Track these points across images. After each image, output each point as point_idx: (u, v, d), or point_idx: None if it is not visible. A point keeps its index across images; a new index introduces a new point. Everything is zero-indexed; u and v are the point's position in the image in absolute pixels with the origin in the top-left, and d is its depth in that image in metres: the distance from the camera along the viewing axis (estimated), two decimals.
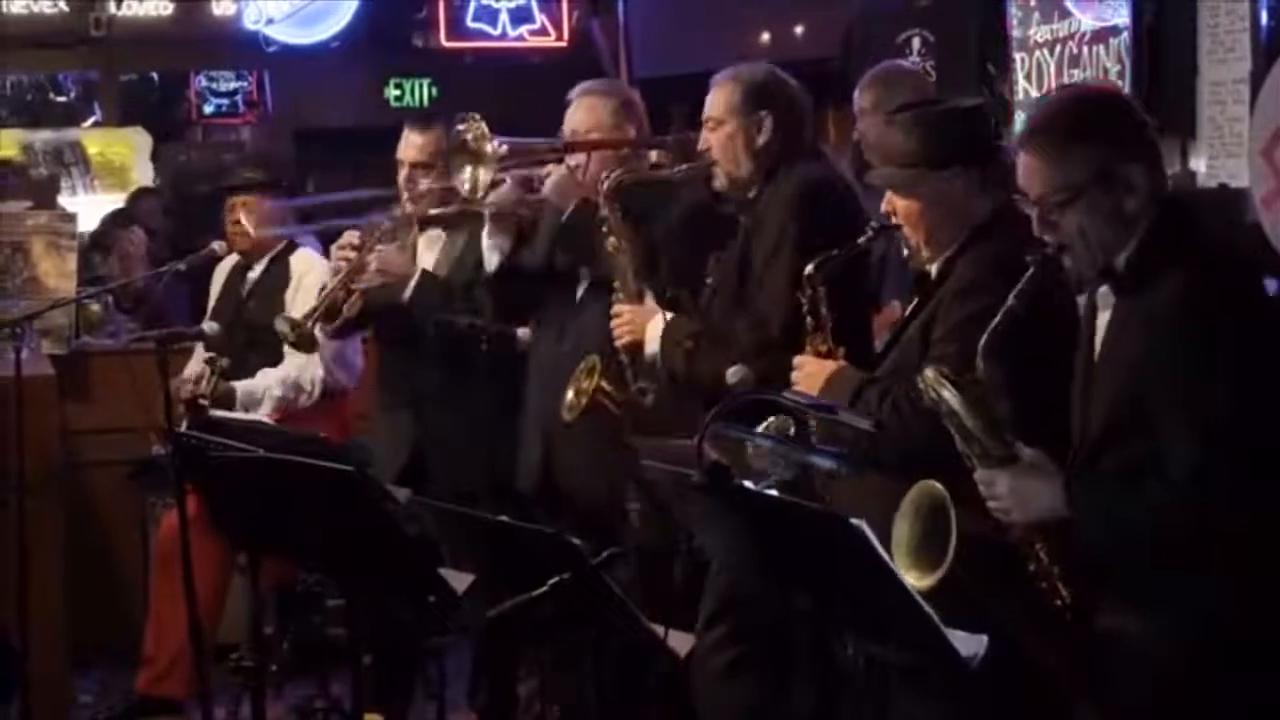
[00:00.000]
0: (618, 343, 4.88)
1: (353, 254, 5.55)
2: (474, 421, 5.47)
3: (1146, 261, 3.16)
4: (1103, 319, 3.27)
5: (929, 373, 3.26)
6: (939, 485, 3.24)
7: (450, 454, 5.51)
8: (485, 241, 5.28)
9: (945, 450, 3.31)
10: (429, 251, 5.70)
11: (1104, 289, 3.26)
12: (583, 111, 5.24)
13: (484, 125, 5.00)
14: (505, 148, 4.98)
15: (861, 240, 4.13)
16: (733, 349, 4.51)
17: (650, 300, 4.89)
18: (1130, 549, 3.11)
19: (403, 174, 5.70)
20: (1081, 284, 3.32)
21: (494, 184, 5.06)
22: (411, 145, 5.71)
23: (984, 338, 3.23)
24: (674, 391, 4.84)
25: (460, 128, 5.03)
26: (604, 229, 4.93)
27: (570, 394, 4.91)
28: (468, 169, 5.02)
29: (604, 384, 4.84)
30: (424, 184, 5.65)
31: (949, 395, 3.22)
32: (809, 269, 4.12)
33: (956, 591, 3.31)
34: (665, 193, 5.10)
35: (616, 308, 4.90)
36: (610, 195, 4.91)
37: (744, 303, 4.63)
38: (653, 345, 4.78)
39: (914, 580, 3.22)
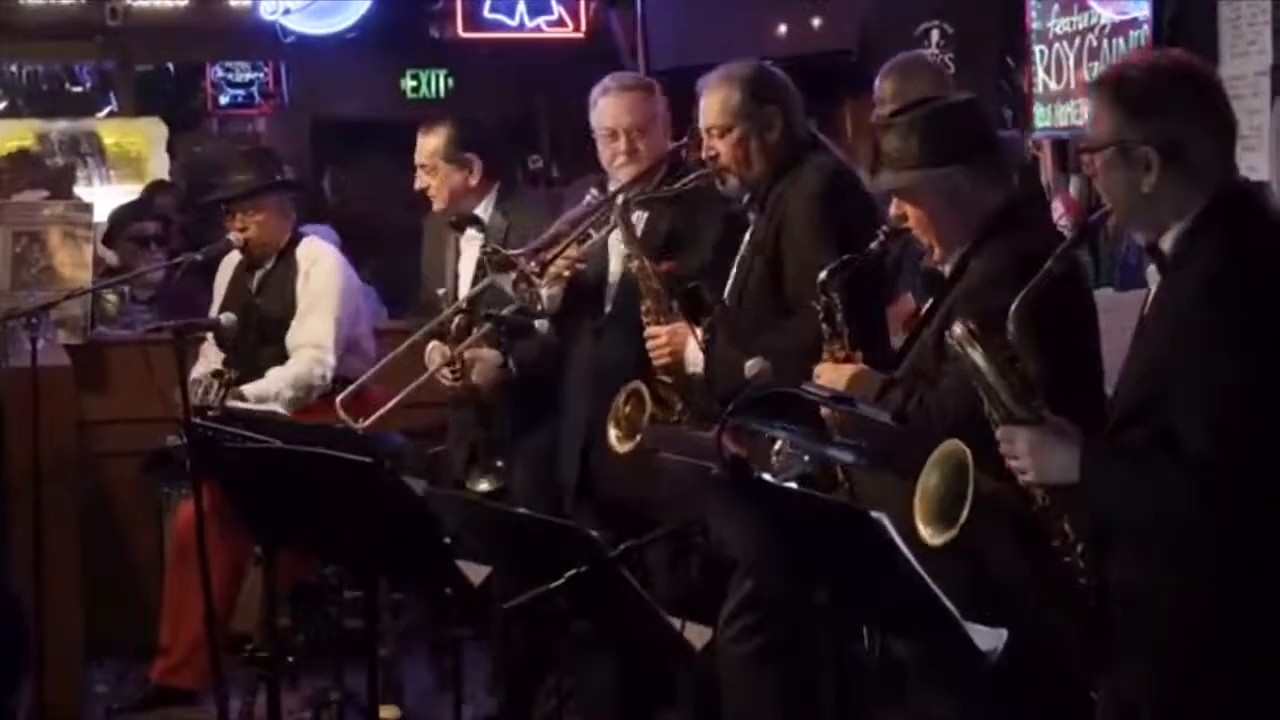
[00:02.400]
0: (656, 363, 4.85)
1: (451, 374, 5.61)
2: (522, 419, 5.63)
3: (1192, 244, 3.13)
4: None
5: (958, 329, 3.24)
6: (962, 446, 3.23)
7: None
8: (543, 291, 5.26)
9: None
10: (470, 248, 5.78)
11: (1152, 269, 3.23)
12: (628, 105, 5.25)
13: (496, 249, 5.19)
14: (533, 263, 5.04)
15: (874, 245, 4.10)
16: (790, 350, 4.43)
17: (680, 317, 4.86)
18: (1133, 520, 3.11)
19: (417, 174, 5.90)
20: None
21: (557, 278, 5.17)
22: (418, 149, 5.89)
23: (1018, 297, 3.20)
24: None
25: (488, 259, 5.20)
26: (629, 251, 4.92)
27: (613, 429, 4.85)
28: (524, 288, 5.09)
29: (656, 412, 4.80)
30: (430, 182, 5.83)
31: (975, 354, 3.21)
32: (822, 276, 4.09)
33: (983, 569, 3.32)
34: (689, 216, 5.12)
35: (651, 329, 4.87)
36: (623, 216, 4.90)
37: (775, 303, 4.60)
38: (694, 366, 4.75)
39: (927, 536, 3.22)
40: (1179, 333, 3.05)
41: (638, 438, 4.79)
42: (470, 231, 5.78)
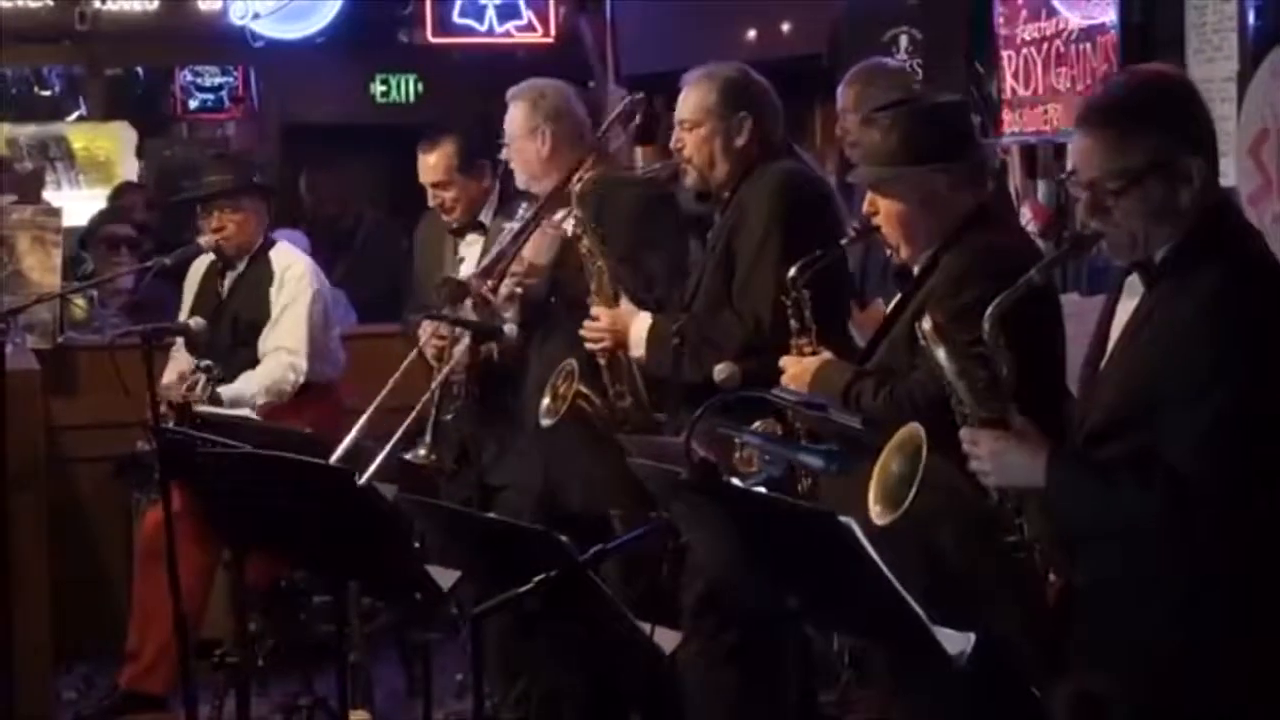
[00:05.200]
0: (594, 348, 4.87)
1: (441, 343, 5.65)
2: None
3: (1185, 259, 3.12)
4: (1124, 308, 3.24)
5: (926, 322, 3.26)
6: (920, 429, 3.25)
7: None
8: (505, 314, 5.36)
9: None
10: (471, 250, 5.84)
11: (1132, 278, 3.23)
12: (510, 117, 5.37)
13: (448, 278, 5.28)
14: (489, 283, 5.11)
15: (844, 242, 4.14)
16: (724, 348, 4.51)
17: (626, 303, 4.88)
18: (1096, 532, 3.13)
19: (430, 195, 5.92)
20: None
21: (509, 297, 5.24)
22: (425, 168, 5.92)
23: (998, 299, 3.20)
24: (657, 393, 4.85)
25: (440, 291, 5.25)
26: (578, 233, 4.94)
27: (547, 399, 4.92)
28: (483, 309, 5.21)
29: (582, 388, 4.85)
30: (448, 196, 5.86)
31: (939, 350, 3.23)
32: (792, 272, 4.13)
33: (948, 571, 3.33)
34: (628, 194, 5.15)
35: (594, 310, 4.89)
36: (581, 199, 4.92)
37: (728, 301, 4.63)
38: (638, 350, 4.78)
39: (875, 515, 3.28)
40: (1176, 347, 3.04)
41: (560, 409, 4.85)
42: (470, 236, 5.88)
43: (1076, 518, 3.15)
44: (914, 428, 3.31)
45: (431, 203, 5.95)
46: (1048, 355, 3.76)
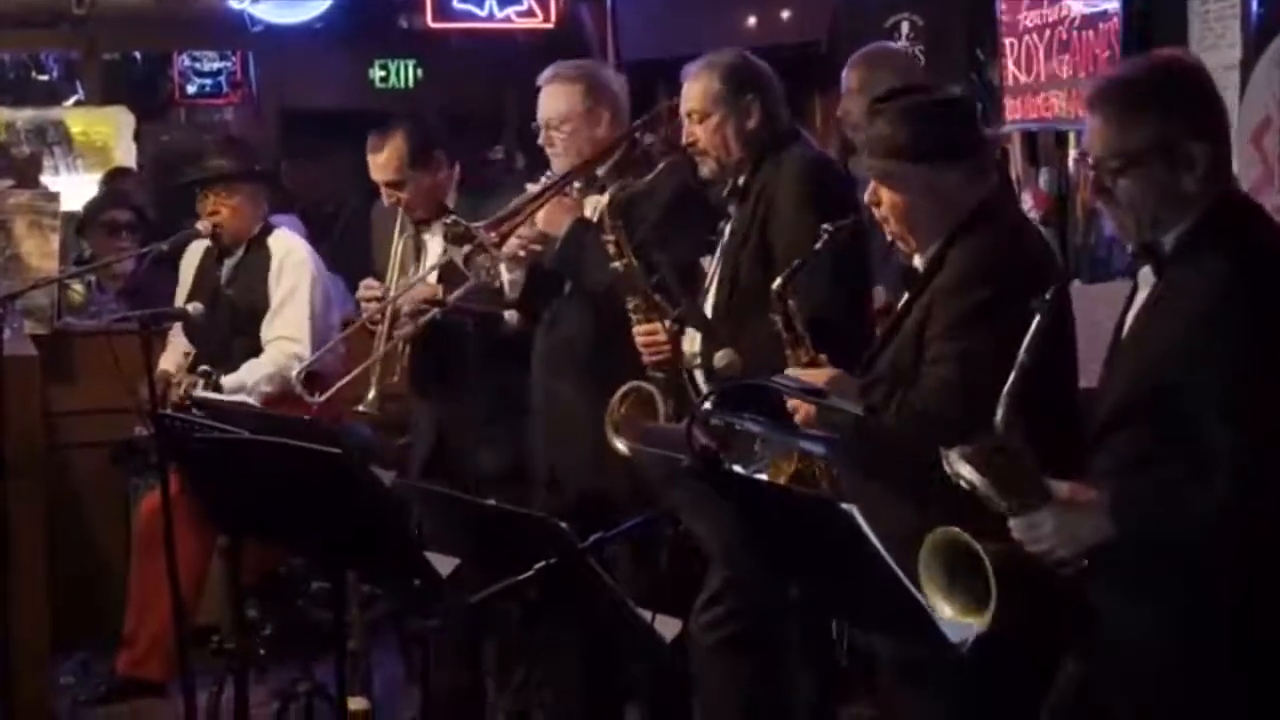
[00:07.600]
0: (654, 359, 4.79)
1: (377, 301, 5.66)
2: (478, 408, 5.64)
3: (1194, 246, 3.10)
4: (1140, 300, 3.21)
5: (953, 454, 3.14)
6: (954, 530, 3.18)
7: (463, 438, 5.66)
8: (504, 276, 5.29)
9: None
10: (435, 240, 5.72)
11: (1145, 270, 3.21)
12: (553, 100, 5.23)
13: (456, 220, 5.08)
14: (495, 235, 4.99)
15: (817, 245, 4.08)
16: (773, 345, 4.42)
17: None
18: (1172, 555, 3.06)
19: (384, 194, 5.79)
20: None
21: (513, 258, 5.15)
22: (374, 167, 5.79)
23: (1002, 398, 3.09)
24: None
25: (447, 231, 5.09)
26: (609, 249, 4.87)
27: (611, 432, 4.80)
28: (481, 261, 5.07)
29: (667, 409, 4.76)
30: (403, 195, 5.73)
31: (976, 479, 3.08)
32: (777, 284, 4.08)
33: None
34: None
35: (646, 326, 4.82)
36: (610, 214, 4.87)
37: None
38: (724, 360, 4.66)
39: (975, 621, 3.16)
40: (1194, 336, 3.01)
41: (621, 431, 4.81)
42: (436, 225, 5.71)
43: (1153, 545, 3.07)
44: (944, 534, 3.21)
45: (386, 202, 5.80)
46: (1054, 359, 3.70)
